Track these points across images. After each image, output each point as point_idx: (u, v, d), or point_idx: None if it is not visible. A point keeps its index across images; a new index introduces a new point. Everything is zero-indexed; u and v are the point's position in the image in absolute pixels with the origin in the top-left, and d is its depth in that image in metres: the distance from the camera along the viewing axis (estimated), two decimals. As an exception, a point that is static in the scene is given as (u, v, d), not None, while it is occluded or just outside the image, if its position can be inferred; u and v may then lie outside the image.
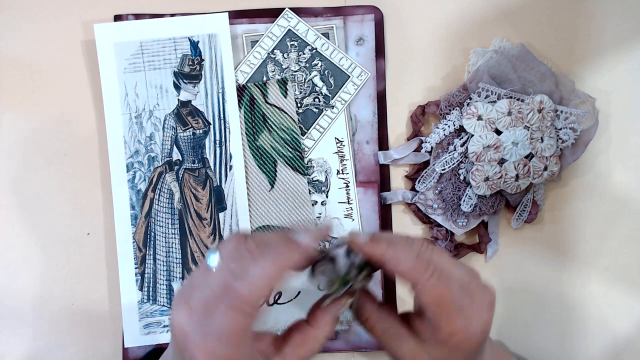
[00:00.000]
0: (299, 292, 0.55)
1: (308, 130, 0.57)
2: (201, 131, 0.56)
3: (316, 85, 0.57)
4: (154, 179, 0.56)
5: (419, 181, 0.56)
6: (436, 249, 0.37)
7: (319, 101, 0.57)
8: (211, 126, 0.56)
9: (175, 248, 0.56)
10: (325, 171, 0.57)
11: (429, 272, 0.34)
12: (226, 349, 0.32)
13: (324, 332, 0.37)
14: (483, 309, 0.36)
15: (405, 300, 0.57)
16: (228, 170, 0.56)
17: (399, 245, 0.35)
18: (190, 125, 0.56)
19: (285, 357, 0.36)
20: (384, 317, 0.38)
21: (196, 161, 0.56)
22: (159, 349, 0.55)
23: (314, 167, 0.57)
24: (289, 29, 0.57)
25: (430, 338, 0.36)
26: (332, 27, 0.57)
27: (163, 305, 0.56)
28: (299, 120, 0.57)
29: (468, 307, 0.35)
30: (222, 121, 0.56)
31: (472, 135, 0.54)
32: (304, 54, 0.57)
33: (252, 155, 0.57)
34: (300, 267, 0.34)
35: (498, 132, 0.54)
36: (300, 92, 0.57)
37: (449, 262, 0.36)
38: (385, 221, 0.57)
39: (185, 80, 0.56)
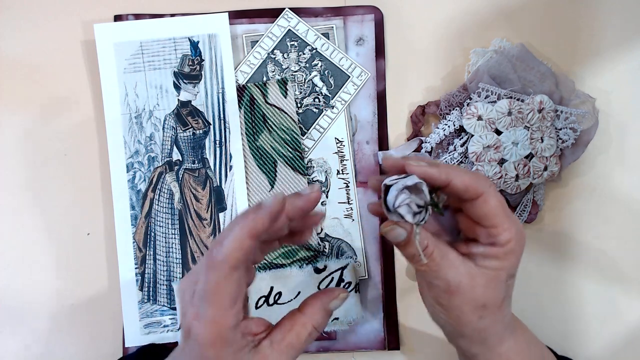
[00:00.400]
0: (299, 292, 0.55)
1: (308, 130, 0.57)
2: (201, 131, 0.56)
3: (316, 86, 0.57)
4: (154, 179, 0.56)
5: (419, 181, 0.56)
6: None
7: (319, 101, 0.57)
8: (211, 126, 0.56)
9: (175, 248, 0.56)
10: (325, 171, 0.57)
11: (488, 183, 0.38)
12: (209, 309, 0.34)
13: (312, 320, 0.38)
14: (517, 219, 0.40)
15: (403, 293, 0.57)
16: (228, 170, 0.56)
17: (454, 167, 0.39)
18: (190, 126, 0.56)
19: (273, 341, 0.37)
20: (441, 244, 0.40)
21: (196, 161, 0.56)
22: (153, 345, 0.55)
23: (314, 167, 0.57)
24: (289, 29, 0.57)
25: (484, 253, 0.39)
26: (332, 27, 0.57)
27: (163, 305, 0.56)
28: (299, 120, 0.57)
29: (513, 216, 0.39)
30: (222, 121, 0.56)
31: (472, 136, 0.54)
32: (304, 54, 0.57)
33: (252, 155, 0.57)
34: (267, 227, 0.35)
35: (498, 132, 0.54)
36: (300, 92, 0.57)
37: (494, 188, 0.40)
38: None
39: (185, 81, 0.56)
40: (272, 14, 0.58)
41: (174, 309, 0.56)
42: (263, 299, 0.55)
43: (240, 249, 0.34)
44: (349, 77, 0.57)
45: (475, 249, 0.40)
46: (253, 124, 0.57)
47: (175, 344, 0.55)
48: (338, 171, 0.57)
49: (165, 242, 0.56)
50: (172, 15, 0.57)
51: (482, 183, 0.38)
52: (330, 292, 0.40)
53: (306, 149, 0.57)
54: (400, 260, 0.58)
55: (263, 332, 0.37)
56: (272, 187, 0.57)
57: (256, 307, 0.55)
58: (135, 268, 0.56)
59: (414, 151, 0.57)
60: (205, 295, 0.34)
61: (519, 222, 0.40)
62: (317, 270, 0.55)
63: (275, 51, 0.57)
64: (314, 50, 0.57)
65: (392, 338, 0.56)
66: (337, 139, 0.57)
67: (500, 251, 0.39)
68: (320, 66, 0.57)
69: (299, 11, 0.57)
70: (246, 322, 0.37)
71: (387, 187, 0.37)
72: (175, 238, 0.56)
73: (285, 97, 0.57)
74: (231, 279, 0.34)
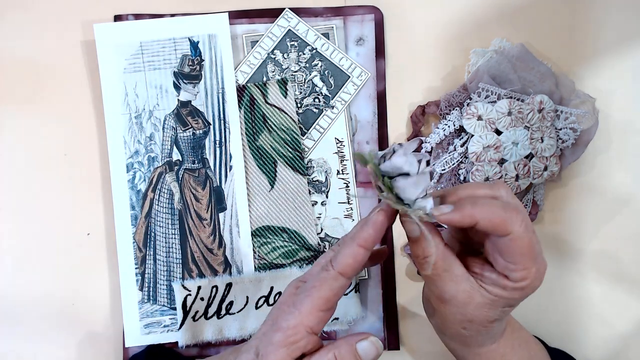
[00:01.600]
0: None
1: (308, 130, 0.57)
2: (201, 131, 0.56)
3: (316, 86, 0.57)
4: (154, 179, 0.56)
5: (419, 181, 0.56)
6: (510, 191, 0.39)
7: (319, 101, 0.57)
8: (211, 126, 0.56)
9: (176, 248, 0.56)
10: (325, 171, 0.57)
11: (518, 222, 0.36)
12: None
13: (334, 349, 0.38)
14: (544, 259, 0.39)
15: (403, 293, 0.57)
16: (228, 170, 0.56)
17: (484, 201, 0.36)
18: (190, 126, 0.56)
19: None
20: (449, 256, 0.39)
21: (196, 161, 0.56)
22: (157, 346, 0.55)
23: (314, 167, 0.57)
24: (289, 29, 0.57)
25: (493, 280, 0.38)
26: (332, 27, 0.57)
27: (163, 305, 0.56)
28: (299, 120, 0.57)
29: (539, 256, 0.38)
30: (222, 121, 0.56)
31: (472, 136, 0.54)
32: (304, 54, 0.57)
33: (252, 155, 0.57)
34: (376, 240, 0.38)
35: (498, 132, 0.54)
36: (300, 92, 0.57)
37: (522, 206, 0.39)
38: (385, 221, 0.57)
39: (185, 81, 0.56)
40: (272, 14, 0.57)
41: (174, 309, 0.56)
42: (263, 299, 0.55)
43: (353, 261, 0.37)
44: (349, 77, 0.57)
45: (487, 273, 0.39)
46: (253, 124, 0.57)
47: (175, 344, 0.55)
48: (338, 171, 0.57)
49: (166, 242, 0.56)
50: (172, 15, 0.57)
51: (513, 221, 0.36)
52: (361, 334, 0.39)
53: (306, 149, 0.57)
54: (400, 260, 0.58)
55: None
56: (272, 187, 0.57)
57: (256, 307, 0.55)
58: (135, 268, 0.56)
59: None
60: (299, 295, 0.38)
61: (543, 264, 0.38)
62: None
63: (275, 51, 0.57)
64: (314, 50, 0.57)
65: (392, 338, 0.56)
66: (337, 139, 0.57)
67: (510, 285, 0.38)
68: (320, 66, 0.57)
69: (299, 11, 0.57)
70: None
71: (391, 152, 0.36)
72: (175, 238, 0.56)
73: (285, 97, 0.57)
74: (332, 286, 0.37)
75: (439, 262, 0.38)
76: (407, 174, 0.35)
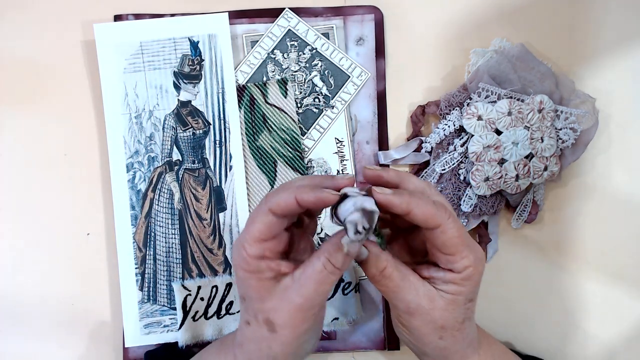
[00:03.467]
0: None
1: (308, 130, 0.57)
2: (201, 131, 0.56)
3: (316, 86, 0.57)
4: (154, 179, 0.56)
5: (419, 181, 0.56)
6: (436, 190, 0.43)
7: (319, 101, 0.57)
8: (211, 126, 0.56)
9: (176, 248, 0.56)
10: (325, 171, 0.57)
11: (447, 215, 0.39)
12: (240, 237, 0.41)
13: (325, 252, 0.39)
14: (479, 246, 0.42)
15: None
16: (228, 170, 0.56)
17: (417, 195, 0.40)
18: (190, 126, 0.56)
19: (294, 275, 0.40)
20: (401, 267, 0.42)
21: (196, 161, 0.56)
22: (171, 345, 0.55)
23: (314, 167, 0.57)
24: (289, 29, 0.57)
25: (443, 277, 0.41)
26: (332, 27, 0.57)
27: (163, 305, 0.56)
28: (299, 120, 0.57)
29: (473, 244, 0.41)
30: (222, 121, 0.56)
31: (472, 135, 0.54)
32: (304, 54, 0.57)
33: (252, 155, 0.57)
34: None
35: (498, 132, 0.54)
36: (300, 92, 0.57)
37: (447, 201, 0.43)
38: (385, 221, 0.57)
39: (185, 81, 0.56)
40: (272, 14, 0.58)
41: (174, 308, 0.56)
42: (263, 299, 0.55)
43: (281, 202, 0.39)
44: (349, 77, 0.57)
45: (435, 273, 0.42)
46: (253, 124, 0.57)
47: (175, 344, 0.55)
48: (338, 171, 0.57)
49: (166, 242, 0.56)
50: (172, 15, 0.57)
51: (440, 214, 0.39)
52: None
53: (306, 149, 0.57)
54: (400, 260, 0.58)
55: (285, 268, 0.41)
56: (272, 187, 0.57)
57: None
58: (135, 268, 0.56)
59: (414, 151, 0.57)
60: (245, 227, 0.41)
61: (479, 250, 0.42)
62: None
63: (275, 51, 0.57)
64: (314, 50, 0.57)
65: (392, 338, 0.56)
66: (337, 139, 0.57)
67: (458, 277, 0.41)
68: (320, 66, 0.57)
69: (299, 11, 0.57)
70: (279, 262, 0.41)
71: (345, 196, 0.38)
72: (175, 238, 0.56)
73: (285, 97, 0.57)
74: (263, 220, 0.40)
75: (394, 272, 0.41)
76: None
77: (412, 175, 0.43)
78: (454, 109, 0.55)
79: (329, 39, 0.57)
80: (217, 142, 0.56)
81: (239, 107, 0.57)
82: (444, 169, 0.55)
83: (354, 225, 0.36)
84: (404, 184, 0.42)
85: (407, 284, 0.41)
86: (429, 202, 0.39)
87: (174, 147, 0.56)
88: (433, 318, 0.41)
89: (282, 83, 0.57)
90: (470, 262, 0.40)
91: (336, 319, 0.55)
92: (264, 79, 0.57)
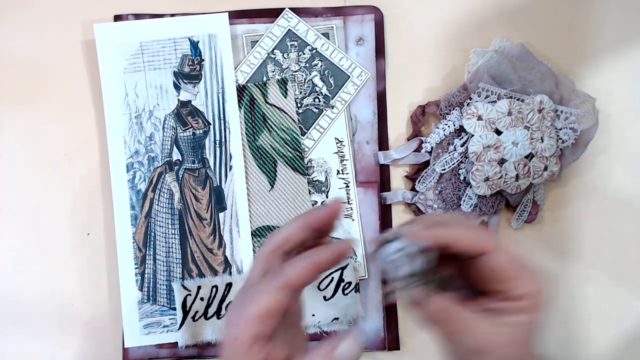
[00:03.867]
0: (299, 292, 0.55)
1: (308, 130, 0.57)
2: (201, 131, 0.56)
3: (316, 86, 0.57)
4: (154, 179, 0.56)
5: (419, 181, 0.56)
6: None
7: (319, 101, 0.57)
8: (211, 126, 0.56)
9: (175, 248, 0.56)
10: (325, 171, 0.57)
11: (492, 239, 0.36)
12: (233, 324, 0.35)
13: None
14: (537, 270, 0.37)
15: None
16: (228, 170, 0.56)
17: (454, 224, 0.36)
18: (190, 125, 0.56)
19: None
20: (455, 307, 0.37)
21: (196, 161, 0.56)
22: None
23: (314, 167, 0.57)
24: (289, 29, 0.57)
25: (501, 310, 0.36)
26: (332, 27, 0.57)
27: (163, 305, 0.56)
28: (299, 120, 0.57)
29: (528, 268, 0.36)
30: (222, 121, 0.56)
31: (472, 135, 0.54)
32: (304, 54, 0.57)
33: (252, 155, 0.57)
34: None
35: (498, 132, 0.54)
36: (300, 92, 0.57)
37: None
38: (385, 221, 0.57)
39: (185, 80, 0.56)
40: (272, 14, 0.58)
41: (174, 309, 0.56)
42: (263, 299, 0.55)
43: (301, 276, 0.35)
44: (349, 77, 0.57)
45: (492, 304, 0.37)
46: (253, 124, 0.57)
47: (175, 344, 0.55)
48: (338, 171, 0.57)
49: (165, 242, 0.56)
50: (172, 15, 0.57)
51: (485, 237, 0.36)
52: (339, 337, 0.36)
53: (306, 149, 0.57)
54: (400, 260, 0.57)
55: None
56: (272, 187, 0.57)
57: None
58: (135, 268, 0.56)
59: (414, 151, 0.57)
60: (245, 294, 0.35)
61: (537, 275, 0.36)
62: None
63: (275, 51, 0.57)
64: (314, 50, 0.57)
65: (392, 338, 0.56)
66: (337, 139, 0.57)
67: (516, 306, 0.36)
68: (320, 66, 0.57)
69: (299, 11, 0.57)
70: (274, 348, 0.35)
71: (386, 241, 0.36)
72: (175, 238, 0.56)
73: (285, 97, 0.57)
74: (275, 297, 0.34)
75: (449, 315, 0.36)
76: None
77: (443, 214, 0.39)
78: (454, 109, 0.55)
79: (329, 39, 0.57)
80: (217, 142, 0.56)
81: (239, 107, 0.57)
82: (444, 169, 0.55)
83: (402, 270, 0.34)
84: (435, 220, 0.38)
85: (464, 327, 0.36)
86: (467, 226, 0.36)
87: (174, 147, 0.56)
88: (506, 355, 0.36)
89: (282, 83, 0.57)
90: (528, 290, 0.36)
91: (336, 319, 0.55)
92: (264, 79, 0.57)
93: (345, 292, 0.55)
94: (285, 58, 0.57)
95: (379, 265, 0.36)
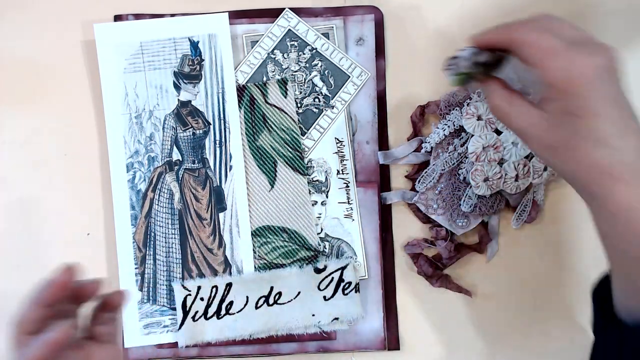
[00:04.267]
0: (299, 292, 0.55)
1: (308, 130, 0.57)
2: (201, 131, 0.56)
3: (316, 86, 0.57)
4: (154, 179, 0.56)
5: (419, 181, 0.56)
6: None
7: (319, 101, 0.57)
8: (211, 126, 0.56)
9: (175, 248, 0.56)
10: (325, 171, 0.57)
11: (518, 26, 0.41)
12: None
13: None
14: (571, 54, 0.38)
15: (404, 293, 0.57)
16: (228, 170, 0.56)
17: (512, 26, 0.41)
18: (190, 126, 0.56)
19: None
20: (511, 95, 0.42)
21: (196, 161, 0.56)
22: None
23: (314, 167, 0.57)
24: (289, 29, 0.57)
25: (544, 96, 0.40)
26: (332, 27, 0.57)
27: (163, 306, 0.56)
28: (299, 120, 0.57)
29: (561, 51, 0.38)
30: (222, 121, 0.56)
31: (472, 135, 0.54)
32: (304, 54, 0.57)
33: (252, 155, 0.57)
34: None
35: (498, 132, 0.54)
36: (300, 92, 0.57)
37: (565, 25, 0.41)
38: (386, 221, 0.57)
39: (185, 81, 0.56)
40: (272, 14, 0.58)
41: (174, 309, 0.56)
42: (263, 299, 0.55)
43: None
44: (349, 77, 0.57)
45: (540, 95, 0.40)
46: (253, 124, 0.57)
47: (175, 344, 0.55)
48: (338, 171, 0.57)
49: (165, 242, 0.56)
50: (172, 15, 0.57)
51: (514, 28, 0.41)
52: None
53: (306, 149, 0.57)
54: (400, 260, 0.57)
55: None
56: (272, 187, 0.57)
57: (256, 307, 0.55)
58: (135, 268, 0.56)
59: (414, 151, 0.57)
60: None
61: (574, 59, 0.38)
62: (317, 271, 0.55)
63: (275, 51, 0.57)
64: (314, 50, 0.57)
65: (392, 338, 0.56)
66: (337, 139, 0.57)
67: (552, 92, 0.38)
68: (320, 66, 0.57)
69: (299, 11, 0.58)
70: None
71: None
72: (175, 238, 0.56)
73: (285, 97, 0.57)
74: None
75: (501, 102, 0.42)
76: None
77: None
78: (453, 109, 0.55)
79: (329, 39, 0.57)
80: (217, 142, 0.56)
81: (239, 107, 0.57)
82: (444, 169, 0.55)
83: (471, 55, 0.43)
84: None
85: (515, 110, 0.41)
86: (504, 28, 0.41)
87: (174, 147, 0.56)
88: (540, 138, 0.40)
89: (282, 83, 0.57)
90: (557, 75, 0.38)
91: (336, 319, 0.55)
92: (264, 79, 0.57)
93: (345, 292, 0.55)
94: (285, 58, 0.57)
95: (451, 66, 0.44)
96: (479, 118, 0.53)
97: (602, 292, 0.41)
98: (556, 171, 0.43)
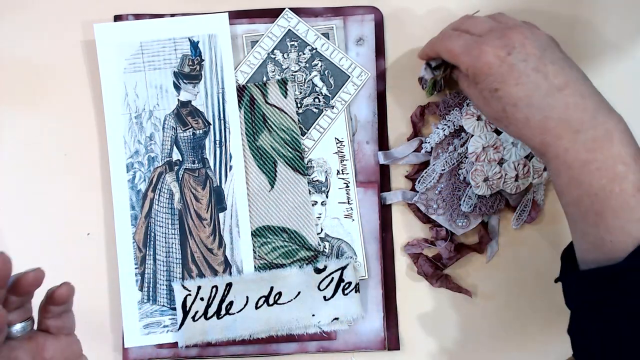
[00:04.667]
0: (299, 293, 0.55)
1: (308, 130, 0.57)
2: (201, 131, 0.56)
3: (316, 86, 0.57)
4: (154, 179, 0.56)
5: (419, 181, 0.56)
6: (477, 17, 0.51)
7: (319, 101, 0.57)
8: (211, 126, 0.56)
9: (175, 248, 0.56)
10: (325, 171, 0.57)
11: (438, 38, 0.51)
12: None
13: None
14: (481, 45, 0.45)
15: (404, 293, 0.57)
16: (228, 170, 0.56)
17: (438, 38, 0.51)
18: (190, 126, 0.56)
19: None
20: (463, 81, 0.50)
21: (196, 161, 0.56)
22: None
23: (314, 167, 0.57)
24: (289, 29, 0.57)
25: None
26: (332, 27, 0.57)
27: (163, 306, 0.56)
28: (299, 120, 0.57)
29: (473, 45, 0.46)
30: (222, 121, 0.56)
31: (472, 135, 0.54)
32: (304, 54, 0.57)
33: (252, 155, 0.57)
34: None
35: (498, 132, 0.54)
36: (300, 93, 0.57)
37: (478, 21, 0.49)
38: (386, 221, 0.57)
39: (185, 81, 0.56)
40: (272, 14, 0.58)
41: (174, 309, 0.56)
42: (263, 299, 0.55)
43: None
44: (349, 77, 0.57)
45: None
46: (253, 124, 0.57)
47: (175, 344, 0.55)
48: (338, 171, 0.57)
49: (165, 242, 0.56)
50: (172, 15, 0.57)
51: (434, 45, 0.51)
52: None
53: (306, 149, 0.57)
54: (400, 260, 0.57)
55: None
56: (272, 187, 0.57)
57: (256, 307, 0.55)
58: (135, 268, 0.56)
59: (414, 151, 0.57)
60: None
61: (481, 49, 0.45)
62: (318, 271, 0.55)
63: (275, 51, 0.57)
64: (314, 50, 0.57)
65: (392, 338, 0.56)
66: (337, 139, 0.57)
67: (473, 78, 0.46)
68: (320, 66, 0.57)
69: (299, 11, 0.58)
70: None
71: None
72: (175, 238, 0.56)
73: (285, 97, 0.57)
74: None
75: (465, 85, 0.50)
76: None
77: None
78: (453, 109, 0.55)
79: (329, 39, 0.57)
80: (217, 142, 0.56)
81: (239, 107, 0.57)
82: (444, 169, 0.55)
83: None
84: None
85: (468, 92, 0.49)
86: (442, 33, 0.51)
87: (174, 147, 0.56)
88: (487, 114, 0.47)
89: (282, 83, 0.57)
90: (470, 63, 0.45)
91: (336, 319, 0.55)
92: (264, 79, 0.57)
93: (345, 292, 0.55)
94: (285, 58, 0.57)
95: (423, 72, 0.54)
96: (479, 118, 0.53)
97: (569, 252, 0.47)
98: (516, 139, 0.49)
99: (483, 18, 0.49)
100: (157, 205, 0.56)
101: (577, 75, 0.45)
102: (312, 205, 0.57)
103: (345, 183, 0.57)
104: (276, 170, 0.57)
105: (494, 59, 0.44)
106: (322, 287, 0.55)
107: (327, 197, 0.57)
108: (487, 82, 0.45)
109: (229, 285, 0.55)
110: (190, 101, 0.57)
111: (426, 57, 0.53)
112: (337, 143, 0.57)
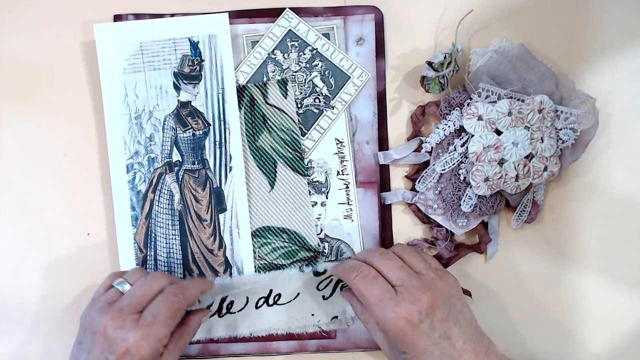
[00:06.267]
0: (299, 294, 0.55)
1: (308, 130, 0.57)
2: (201, 132, 0.56)
3: (316, 86, 0.57)
4: (154, 180, 0.56)
5: (419, 181, 0.56)
6: (389, 256, 0.49)
7: (319, 102, 0.57)
8: (211, 127, 0.56)
9: (176, 249, 0.56)
10: (325, 172, 0.57)
11: (352, 275, 0.48)
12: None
13: (189, 329, 0.50)
14: (395, 306, 0.46)
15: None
16: (228, 171, 0.56)
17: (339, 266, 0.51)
18: (190, 126, 0.56)
19: (169, 349, 0.47)
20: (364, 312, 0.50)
21: (196, 162, 0.56)
22: None
23: (313, 167, 0.57)
24: (290, 29, 0.57)
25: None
26: (333, 27, 0.57)
27: (164, 306, 0.56)
28: (299, 120, 0.57)
29: (387, 303, 0.46)
30: (222, 122, 0.56)
31: (472, 136, 0.54)
32: (304, 54, 0.57)
33: (252, 156, 0.57)
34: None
35: (498, 133, 0.54)
36: (301, 93, 0.57)
37: (391, 266, 0.48)
38: (385, 221, 0.57)
39: (185, 81, 0.56)
40: (273, 14, 0.57)
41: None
42: (263, 299, 0.55)
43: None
44: (349, 77, 0.57)
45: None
46: (253, 124, 0.57)
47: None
48: (338, 172, 0.57)
49: (166, 243, 0.56)
50: (172, 15, 0.57)
51: (347, 276, 0.49)
52: (202, 312, 0.52)
53: (306, 150, 0.57)
54: (400, 261, 0.58)
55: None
56: (272, 187, 0.57)
57: (256, 307, 0.55)
58: (136, 268, 0.56)
59: (414, 151, 0.57)
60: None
61: (393, 309, 0.46)
62: (317, 274, 0.55)
63: (275, 51, 0.57)
64: (315, 51, 0.57)
65: (392, 338, 0.57)
66: (337, 140, 0.57)
67: (381, 328, 0.47)
68: (321, 66, 0.57)
69: (299, 11, 0.57)
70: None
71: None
72: (175, 239, 0.56)
73: (286, 98, 0.57)
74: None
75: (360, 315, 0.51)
76: None
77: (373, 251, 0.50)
78: (454, 109, 0.55)
79: (329, 39, 0.57)
80: (217, 142, 0.56)
81: (239, 107, 0.57)
82: (444, 169, 0.55)
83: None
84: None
85: (370, 327, 0.50)
86: (346, 266, 0.49)
87: (174, 148, 0.56)
88: (386, 353, 0.49)
89: (282, 83, 0.57)
90: (380, 317, 0.46)
91: (335, 317, 0.55)
92: (264, 79, 0.57)
93: (346, 292, 0.55)
94: (285, 58, 0.57)
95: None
96: (480, 118, 0.53)
97: None
98: None
99: (395, 262, 0.49)
100: (158, 206, 0.56)
101: (471, 330, 0.48)
102: (312, 206, 0.57)
103: (345, 184, 0.57)
104: (276, 171, 0.57)
105: (407, 327, 0.46)
106: (320, 287, 0.55)
107: (327, 197, 0.57)
108: (396, 343, 0.47)
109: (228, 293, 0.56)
110: (190, 102, 0.56)
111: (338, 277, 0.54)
112: (337, 143, 0.57)
